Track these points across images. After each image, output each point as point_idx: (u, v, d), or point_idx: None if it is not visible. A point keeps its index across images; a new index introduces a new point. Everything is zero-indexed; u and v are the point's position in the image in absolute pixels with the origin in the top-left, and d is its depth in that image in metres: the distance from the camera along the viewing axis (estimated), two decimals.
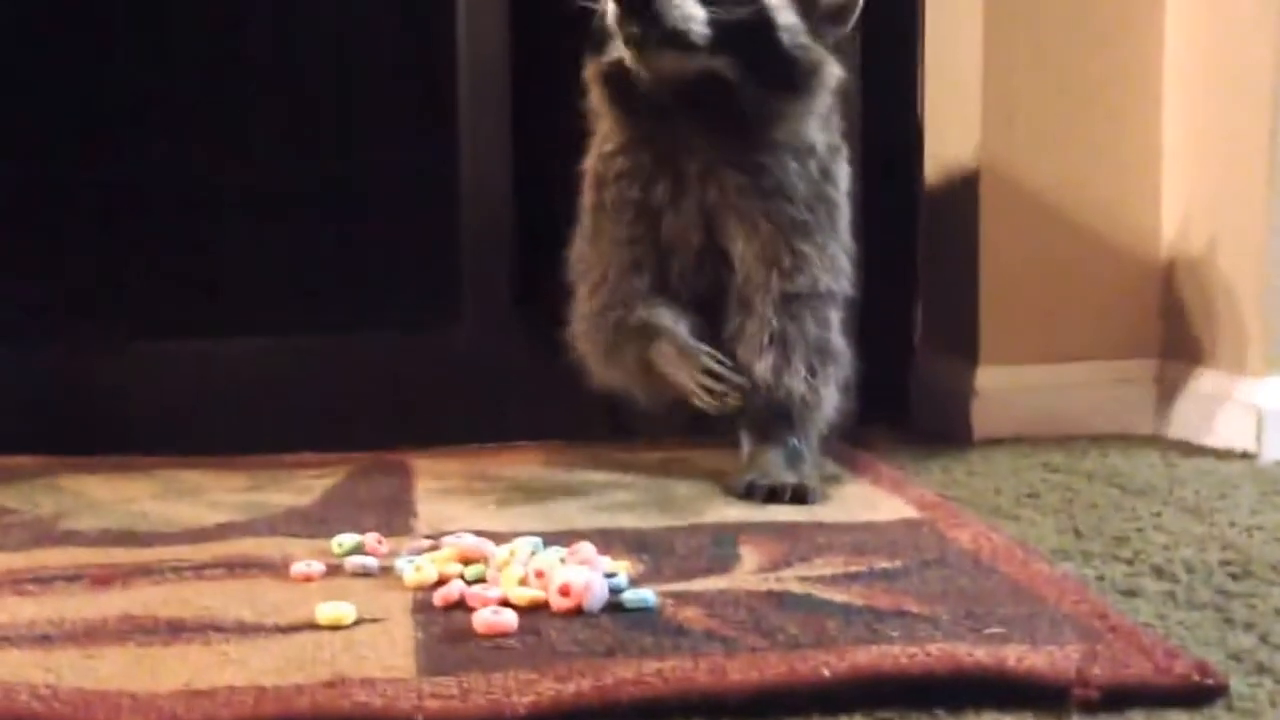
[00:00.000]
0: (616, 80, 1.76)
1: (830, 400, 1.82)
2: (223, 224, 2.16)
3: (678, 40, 1.68)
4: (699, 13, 1.69)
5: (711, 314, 1.81)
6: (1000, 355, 2.15)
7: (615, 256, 1.83)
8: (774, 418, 1.79)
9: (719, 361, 1.74)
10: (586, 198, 1.87)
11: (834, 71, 1.80)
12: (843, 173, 1.86)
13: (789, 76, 1.76)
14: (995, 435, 2.11)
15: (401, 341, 2.12)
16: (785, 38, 1.74)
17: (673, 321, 1.79)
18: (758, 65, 1.72)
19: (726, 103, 1.73)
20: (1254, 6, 2.00)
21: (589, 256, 1.87)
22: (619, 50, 1.72)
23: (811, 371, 1.79)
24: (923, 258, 2.31)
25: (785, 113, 1.78)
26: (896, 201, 2.21)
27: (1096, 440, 2.08)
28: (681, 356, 1.75)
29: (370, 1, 2.17)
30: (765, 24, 1.73)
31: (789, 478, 1.72)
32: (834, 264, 1.83)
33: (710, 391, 1.73)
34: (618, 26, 1.69)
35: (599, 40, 1.77)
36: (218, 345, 2.11)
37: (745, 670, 1.12)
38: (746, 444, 1.81)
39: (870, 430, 2.03)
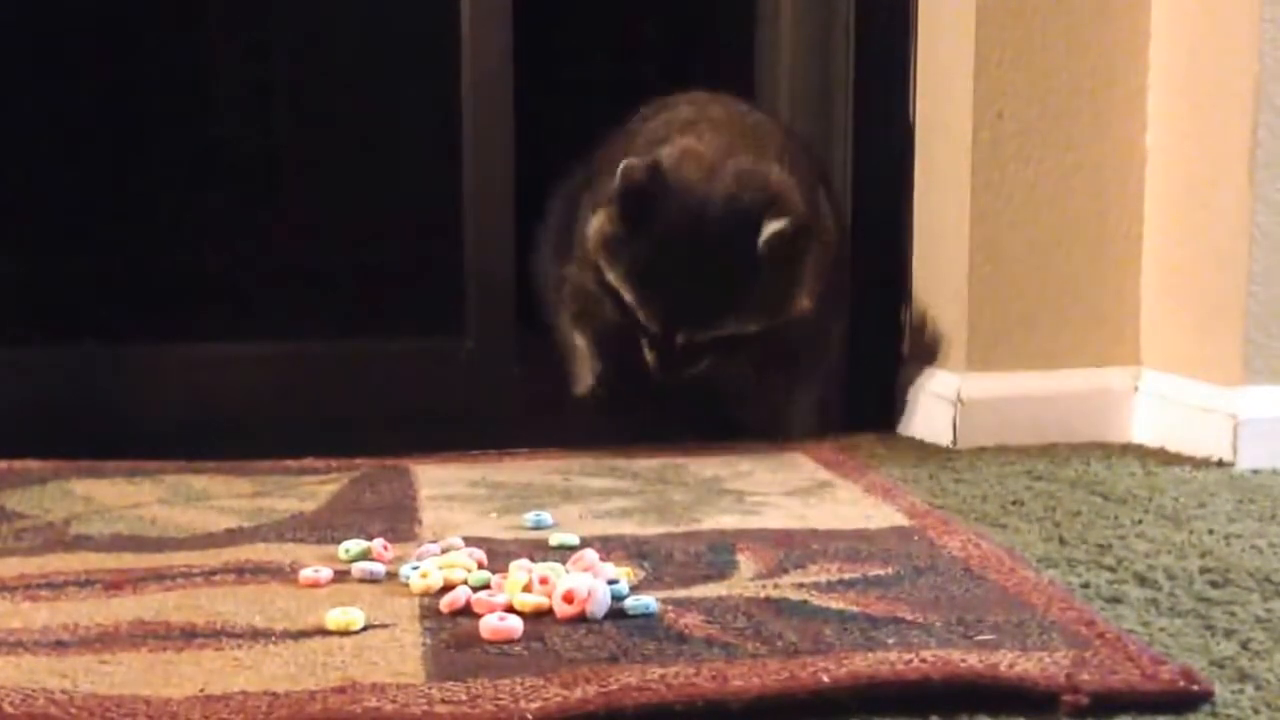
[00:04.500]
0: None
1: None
2: (230, 230, 2.17)
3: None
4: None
5: None
6: (985, 363, 2.16)
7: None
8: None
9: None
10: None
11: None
12: None
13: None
14: (980, 443, 2.13)
15: (404, 348, 2.13)
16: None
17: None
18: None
19: None
20: (1237, 10, 2.01)
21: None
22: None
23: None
24: (912, 266, 2.32)
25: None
26: (887, 211, 2.23)
27: (1078, 448, 2.10)
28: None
29: (378, 17, 2.19)
30: None
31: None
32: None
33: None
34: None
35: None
36: (223, 351, 2.10)
37: (747, 676, 1.14)
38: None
39: (860, 437, 2.05)
